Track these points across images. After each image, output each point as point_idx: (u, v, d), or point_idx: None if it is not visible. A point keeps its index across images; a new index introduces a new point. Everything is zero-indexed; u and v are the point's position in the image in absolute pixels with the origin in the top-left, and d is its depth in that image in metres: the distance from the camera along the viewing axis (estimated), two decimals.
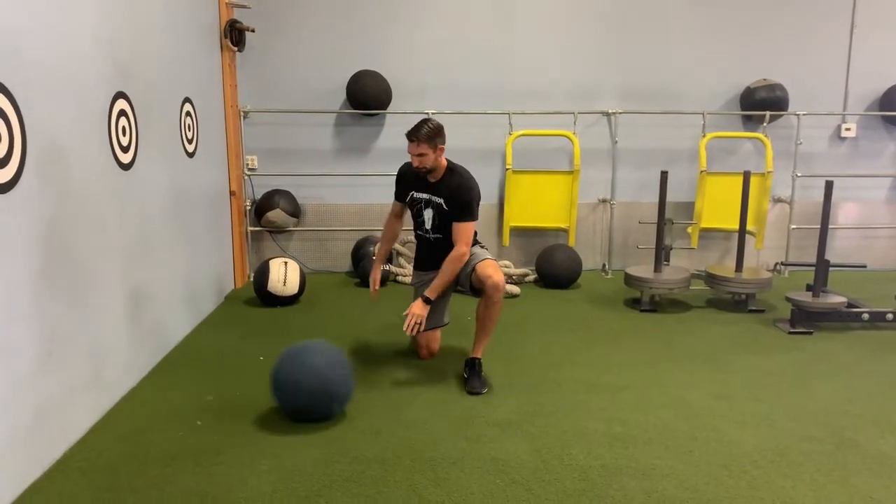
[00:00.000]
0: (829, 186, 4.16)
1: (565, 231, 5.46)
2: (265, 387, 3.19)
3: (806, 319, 4.15)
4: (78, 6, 2.75)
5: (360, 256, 5.31)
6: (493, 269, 3.19)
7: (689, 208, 5.61)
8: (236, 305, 4.66)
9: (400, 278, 5.23)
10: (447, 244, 3.25)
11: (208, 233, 4.52)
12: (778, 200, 5.77)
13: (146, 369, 3.37)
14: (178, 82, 3.95)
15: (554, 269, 5.21)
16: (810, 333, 4.10)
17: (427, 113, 5.20)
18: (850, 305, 4.24)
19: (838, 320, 4.22)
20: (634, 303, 4.71)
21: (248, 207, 5.37)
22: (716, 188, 5.39)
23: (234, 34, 4.95)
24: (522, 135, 5.33)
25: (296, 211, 5.41)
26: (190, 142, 4.12)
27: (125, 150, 3.16)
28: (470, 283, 3.30)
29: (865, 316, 4.17)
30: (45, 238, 2.48)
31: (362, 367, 3.40)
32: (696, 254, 5.68)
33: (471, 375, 3.23)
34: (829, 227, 4.38)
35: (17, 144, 2.31)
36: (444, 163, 3.30)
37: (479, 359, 3.29)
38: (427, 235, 3.43)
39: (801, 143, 5.57)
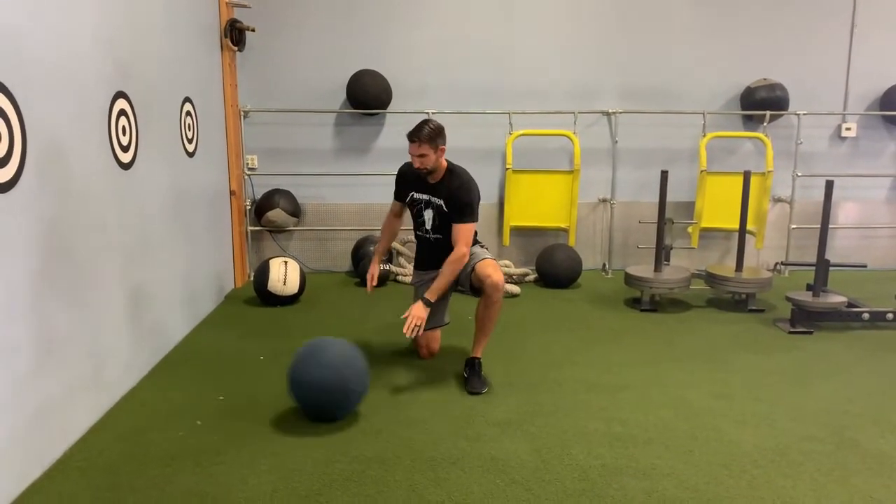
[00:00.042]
0: (829, 186, 4.16)
1: (565, 231, 5.46)
2: (265, 386, 3.20)
3: (806, 319, 4.15)
4: (78, 6, 2.75)
5: (361, 256, 5.31)
6: (493, 269, 3.19)
7: (689, 208, 5.61)
8: (236, 305, 4.66)
9: (400, 278, 5.23)
10: (447, 244, 3.25)
11: (208, 232, 4.52)
12: (778, 200, 5.77)
13: (146, 369, 3.37)
14: (179, 82, 3.95)
15: (554, 268, 5.21)
16: (810, 333, 4.10)
17: (427, 113, 5.21)
18: (850, 305, 4.24)
19: (838, 320, 4.22)
20: (634, 302, 4.71)
21: (249, 207, 5.37)
22: (716, 188, 5.39)
23: (235, 34, 4.96)
24: (522, 134, 5.33)
25: (296, 210, 5.41)
26: (190, 141, 4.12)
27: (125, 149, 3.15)
28: (470, 283, 3.30)
29: (866, 315, 4.17)
30: (45, 238, 2.48)
31: None
32: (696, 253, 5.68)
33: (471, 375, 3.24)
34: (830, 226, 4.38)
35: (17, 144, 2.31)
36: (445, 164, 3.30)
37: (479, 358, 3.29)
38: (427, 236, 3.42)
39: (801, 143, 5.57)
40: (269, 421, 2.84)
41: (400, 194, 3.52)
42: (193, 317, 4.13)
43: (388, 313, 4.32)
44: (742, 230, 4.67)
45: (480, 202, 3.33)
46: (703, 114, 5.47)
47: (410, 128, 3.21)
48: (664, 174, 4.59)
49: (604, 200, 5.72)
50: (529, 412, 2.95)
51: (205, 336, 3.98)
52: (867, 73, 5.68)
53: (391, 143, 5.44)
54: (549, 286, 5.24)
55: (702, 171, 5.35)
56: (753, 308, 4.56)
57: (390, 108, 5.38)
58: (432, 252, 3.41)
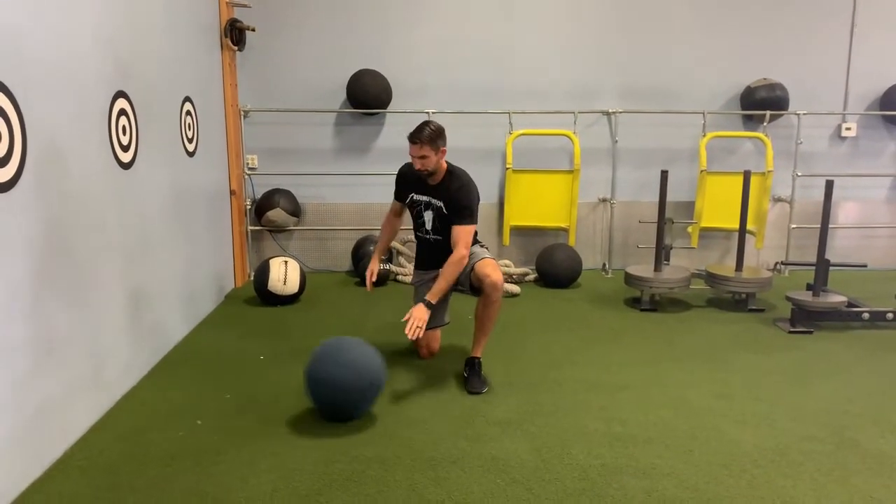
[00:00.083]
0: (829, 186, 4.16)
1: (565, 230, 5.46)
2: (265, 386, 3.20)
3: (806, 319, 4.15)
4: (78, 6, 2.75)
5: (361, 256, 5.31)
6: (492, 269, 3.19)
7: (689, 208, 5.61)
8: (236, 305, 4.66)
9: (400, 277, 5.23)
10: (447, 245, 3.25)
11: (208, 232, 4.52)
12: (778, 200, 5.77)
13: (146, 369, 3.37)
14: (179, 81, 3.95)
15: (554, 268, 5.21)
16: (810, 333, 4.10)
17: (427, 112, 5.21)
18: (850, 305, 4.24)
19: (838, 320, 4.22)
20: (634, 302, 4.71)
21: (249, 207, 5.37)
22: (716, 188, 5.39)
23: (235, 33, 4.95)
24: (522, 134, 5.33)
25: (296, 210, 5.41)
26: (190, 141, 4.12)
27: (125, 149, 3.15)
28: (469, 283, 3.30)
29: (866, 315, 4.17)
30: (45, 238, 2.48)
31: None
32: (696, 253, 5.68)
33: (471, 375, 3.24)
34: (830, 226, 4.38)
35: (17, 144, 2.31)
36: (445, 165, 3.29)
37: (479, 358, 3.29)
38: (427, 237, 3.42)
39: (801, 143, 5.57)
40: (270, 421, 2.84)
41: (400, 194, 3.52)
42: (193, 316, 4.13)
43: (389, 313, 4.32)
44: (742, 230, 4.67)
45: (480, 202, 3.33)
46: (704, 113, 5.47)
47: (410, 128, 3.20)
48: (664, 174, 4.59)
49: (604, 200, 5.72)
50: (529, 412, 2.95)
51: (205, 336, 3.98)
52: (867, 73, 5.68)
53: (391, 142, 5.44)
54: (549, 286, 5.24)
55: (702, 171, 5.35)
56: (753, 308, 4.56)
57: (390, 107, 5.38)
58: (432, 252, 3.41)
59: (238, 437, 2.69)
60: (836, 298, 4.18)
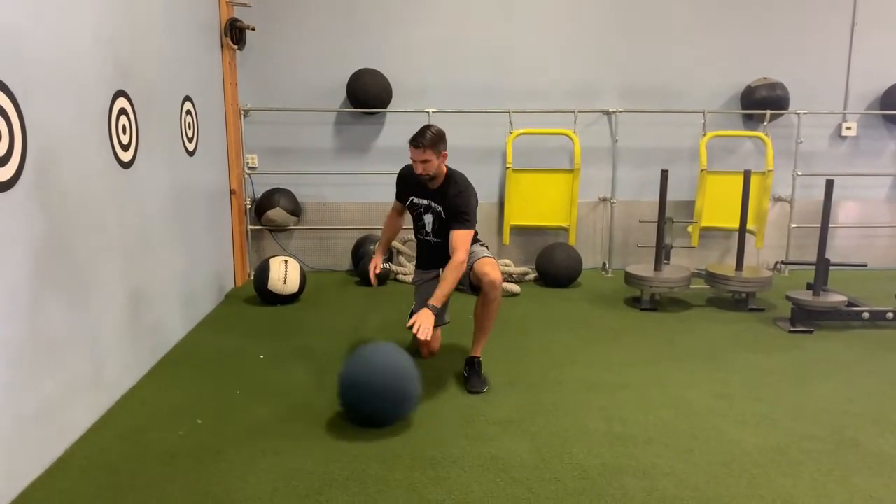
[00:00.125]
0: (829, 185, 4.16)
1: (565, 230, 5.46)
2: (266, 385, 3.20)
3: (806, 318, 4.15)
4: (78, 5, 2.75)
5: (361, 255, 5.31)
6: (491, 267, 3.19)
7: (689, 207, 5.61)
8: (236, 304, 4.66)
9: (400, 277, 5.23)
10: (447, 246, 3.25)
11: (208, 231, 4.52)
12: (778, 199, 5.77)
13: (146, 368, 3.37)
14: (179, 81, 3.94)
15: (554, 267, 5.21)
16: (811, 332, 4.10)
17: (427, 112, 5.21)
18: (850, 304, 4.24)
19: (838, 319, 4.22)
20: (635, 301, 4.71)
21: (249, 206, 5.37)
22: (716, 187, 5.39)
23: (235, 32, 4.95)
24: (523, 133, 5.32)
25: (296, 209, 5.41)
26: (190, 140, 4.12)
27: (125, 148, 3.15)
28: (469, 281, 3.30)
29: (866, 315, 4.17)
30: (45, 237, 2.48)
31: None
32: (696, 253, 5.68)
33: (471, 374, 3.24)
34: (830, 225, 4.38)
35: (17, 143, 2.31)
36: (444, 170, 3.29)
37: (479, 357, 3.29)
38: (427, 238, 3.43)
39: (801, 142, 5.57)
40: (269, 420, 2.84)
41: (401, 196, 3.52)
42: (193, 316, 4.13)
43: (389, 312, 4.32)
44: (742, 229, 4.67)
45: (481, 202, 3.33)
46: (704, 113, 5.47)
47: (411, 127, 3.20)
48: (664, 173, 4.59)
49: (604, 199, 5.72)
50: (529, 411, 2.95)
51: (205, 335, 3.98)
52: (867, 73, 5.67)
53: (391, 142, 5.44)
54: (549, 285, 5.24)
55: (702, 171, 5.35)
56: (753, 307, 4.56)
57: (390, 107, 5.37)
58: (433, 253, 3.42)
59: (238, 437, 2.69)
60: (837, 298, 4.17)
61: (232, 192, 5.03)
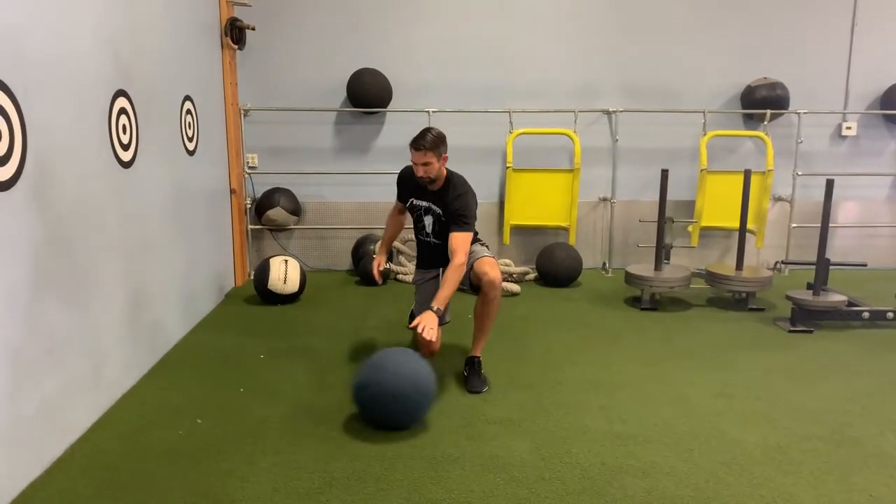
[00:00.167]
0: (829, 185, 4.16)
1: (566, 229, 5.45)
2: (265, 385, 3.20)
3: (806, 318, 4.15)
4: (78, 5, 2.75)
5: (361, 254, 5.31)
6: (490, 267, 3.19)
7: (689, 207, 5.61)
8: (236, 304, 4.66)
9: (400, 276, 5.23)
10: (447, 247, 3.25)
11: (208, 231, 4.52)
12: (778, 199, 5.77)
13: (146, 368, 3.37)
14: (179, 80, 3.94)
15: (554, 267, 5.21)
16: (811, 332, 4.10)
17: (428, 111, 5.21)
18: (850, 304, 4.24)
19: (839, 319, 4.22)
20: (635, 301, 4.71)
21: (249, 206, 5.37)
22: (716, 187, 5.39)
23: (235, 32, 4.95)
24: (523, 133, 5.32)
25: (296, 209, 5.41)
26: (190, 140, 4.12)
27: (125, 147, 3.15)
28: (469, 281, 3.30)
29: (866, 314, 4.17)
30: (45, 237, 2.48)
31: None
32: (696, 252, 5.68)
33: (471, 374, 3.24)
34: (830, 225, 4.38)
35: (17, 143, 2.31)
36: (444, 172, 3.29)
37: (479, 357, 3.29)
38: (428, 239, 3.43)
39: (801, 142, 5.57)
40: (270, 419, 2.84)
41: (401, 196, 3.52)
42: (193, 316, 4.13)
43: (389, 311, 4.32)
44: (742, 229, 4.67)
45: (481, 202, 3.33)
46: (704, 112, 5.47)
47: (411, 127, 3.21)
48: (664, 173, 4.59)
49: (604, 199, 5.71)
50: (530, 411, 2.95)
51: (205, 335, 3.98)
52: (868, 72, 5.67)
53: (391, 141, 5.44)
54: (549, 285, 5.24)
55: (702, 170, 5.35)
56: (754, 307, 4.56)
57: (391, 106, 5.37)
58: (433, 254, 3.43)
59: (238, 436, 2.69)
60: (837, 297, 4.17)
61: (232, 191, 5.03)
